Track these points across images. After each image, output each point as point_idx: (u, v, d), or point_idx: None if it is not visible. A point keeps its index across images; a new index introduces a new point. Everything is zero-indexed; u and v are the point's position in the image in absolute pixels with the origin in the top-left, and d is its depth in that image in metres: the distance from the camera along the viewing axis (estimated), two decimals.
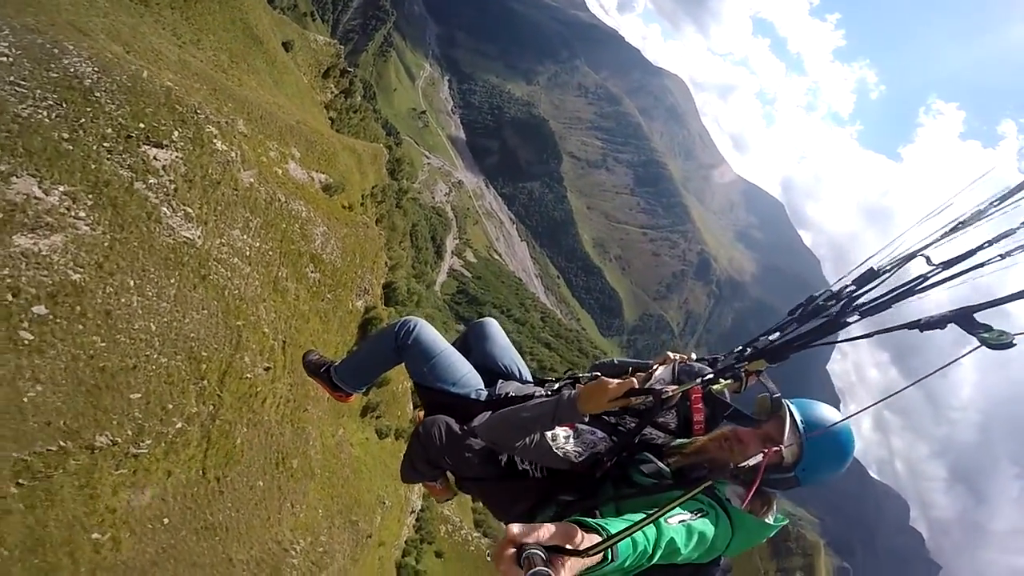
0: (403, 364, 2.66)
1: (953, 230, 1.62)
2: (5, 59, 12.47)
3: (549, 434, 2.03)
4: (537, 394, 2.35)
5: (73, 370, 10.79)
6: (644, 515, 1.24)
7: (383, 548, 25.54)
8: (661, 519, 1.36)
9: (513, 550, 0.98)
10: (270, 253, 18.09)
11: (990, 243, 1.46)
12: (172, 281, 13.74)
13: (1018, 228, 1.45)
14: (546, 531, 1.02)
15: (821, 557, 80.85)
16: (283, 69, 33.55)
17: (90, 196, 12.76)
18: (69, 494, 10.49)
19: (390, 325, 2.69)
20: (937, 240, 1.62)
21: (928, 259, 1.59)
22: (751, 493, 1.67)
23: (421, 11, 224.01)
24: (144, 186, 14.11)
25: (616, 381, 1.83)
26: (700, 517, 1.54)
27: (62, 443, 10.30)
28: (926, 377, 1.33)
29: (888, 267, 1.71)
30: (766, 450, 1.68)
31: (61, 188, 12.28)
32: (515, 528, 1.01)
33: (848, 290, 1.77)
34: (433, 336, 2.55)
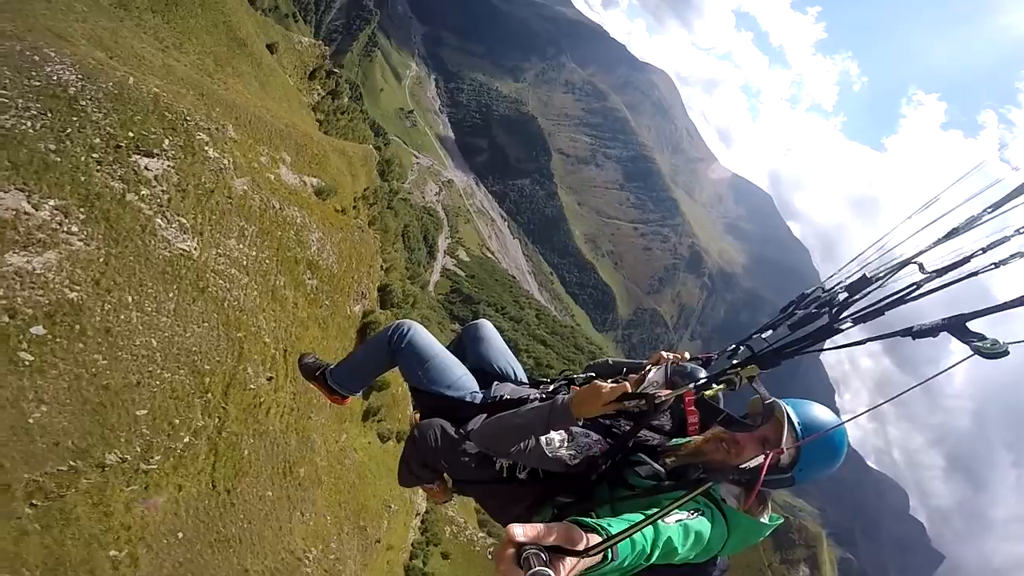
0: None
1: (947, 236, 1.64)
2: None
3: (544, 438, 2.02)
4: (532, 396, 2.36)
5: (77, 389, 10.59)
6: (643, 515, 1.24)
7: (391, 552, 25.49)
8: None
9: (513, 550, 0.98)
10: (267, 262, 17.83)
11: (984, 250, 1.47)
12: (171, 295, 13.48)
13: (1012, 236, 1.46)
14: (546, 531, 1.02)
15: (824, 548, 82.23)
16: (269, 72, 33.00)
17: (82, 210, 12.42)
18: (84, 512, 10.38)
19: (384, 329, 2.67)
20: (930, 247, 1.65)
21: (921, 266, 1.61)
22: (753, 494, 1.69)
23: (405, 10, 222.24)
24: (137, 197, 13.77)
25: (609, 385, 1.82)
26: (697, 517, 1.55)
27: (72, 462, 10.16)
28: (923, 383, 1.34)
29: (881, 275, 1.73)
30: (767, 453, 1.68)
31: (51, 202, 11.93)
32: (515, 528, 1.00)
33: (841, 298, 1.80)
34: (427, 339, 2.53)
